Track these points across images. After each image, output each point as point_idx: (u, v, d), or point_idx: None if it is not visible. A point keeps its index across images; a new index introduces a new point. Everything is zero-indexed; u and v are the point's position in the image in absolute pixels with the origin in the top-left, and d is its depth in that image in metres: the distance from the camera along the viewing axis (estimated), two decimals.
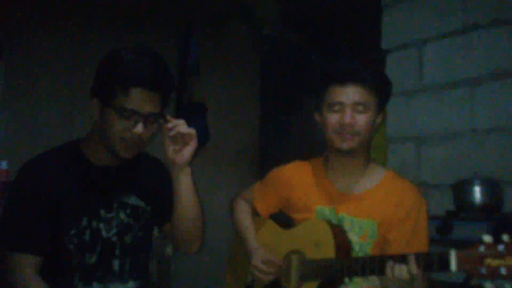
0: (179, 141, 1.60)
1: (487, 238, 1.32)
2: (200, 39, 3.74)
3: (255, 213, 1.97)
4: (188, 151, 1.61)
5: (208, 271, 3.52)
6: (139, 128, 1.53)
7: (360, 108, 1.67)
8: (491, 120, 2.49)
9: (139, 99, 1.51)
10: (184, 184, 1.65)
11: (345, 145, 1.69)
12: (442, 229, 2.23)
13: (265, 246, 1.85)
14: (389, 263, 1.49)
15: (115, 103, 1.51)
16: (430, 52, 2.75)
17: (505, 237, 1.30)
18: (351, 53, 3.29)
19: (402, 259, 1.47)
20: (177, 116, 3.60)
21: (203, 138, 3.61)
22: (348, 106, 1.67)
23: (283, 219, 1.90)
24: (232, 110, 4.07)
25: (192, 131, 1.60)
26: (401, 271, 1.46)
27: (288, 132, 4.06)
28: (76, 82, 3.27)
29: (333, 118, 1.69)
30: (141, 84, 1.51)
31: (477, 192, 2.28)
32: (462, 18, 2.62)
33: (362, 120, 1.68)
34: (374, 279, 1.67)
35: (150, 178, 1.66)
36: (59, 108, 3.34)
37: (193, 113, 3.62)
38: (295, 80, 3.89)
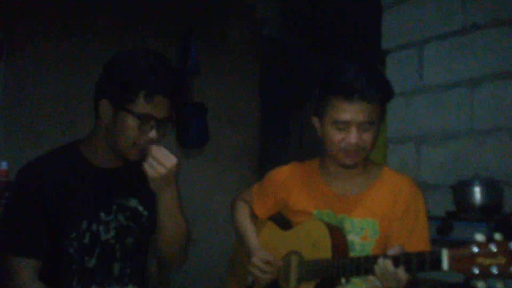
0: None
1: (480, 237, 1.31)
2: (200, 40, 3.74)
3: (254, 215, 1.97)
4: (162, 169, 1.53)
5: (208, 272, 3.52)
6: (154, 133, 1.53)
7: (366, 126, 1.64)
8: (491, 120, 2.48)
9: (160, 106, 1.52)
10: (164, 205, 1.59)
11: (349, 162, 1.68)
12: (442, 229, 2.23)
13: (264, 247, 1.84)
14: (379, 261, 1.49)
15: (132, 108, 1.50)
16: (430, 52, 2.75)
17: (497, 236, 1.29)
18: (352, 55, 3.29)
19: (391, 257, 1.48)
20: (177, 116, 3.61)
21: (203, 138, 3.62)
22: (354, 125, 1.63)
23: (283, 220, 1.90)
24: (232, 110, 4.07)
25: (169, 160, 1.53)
26: (385, 266, 1.47)
27: (288, 132, 4.06)
28: (76, 82, 3.26)
29: (338, 136, 1.65)
30: (165, 93, 1.52)
31: (477, 192, 2.28)
32: (462, 18, 2.62)
33: (367, 137, 1.65)
34: (374, 280, 1.68)
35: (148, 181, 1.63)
36: (59, 108, 3.34)
37: (193, 113, 3.62)
38: (295, 80, 3.88)
